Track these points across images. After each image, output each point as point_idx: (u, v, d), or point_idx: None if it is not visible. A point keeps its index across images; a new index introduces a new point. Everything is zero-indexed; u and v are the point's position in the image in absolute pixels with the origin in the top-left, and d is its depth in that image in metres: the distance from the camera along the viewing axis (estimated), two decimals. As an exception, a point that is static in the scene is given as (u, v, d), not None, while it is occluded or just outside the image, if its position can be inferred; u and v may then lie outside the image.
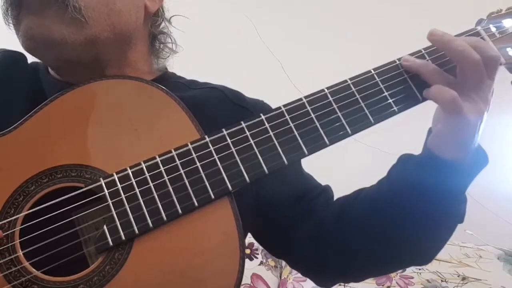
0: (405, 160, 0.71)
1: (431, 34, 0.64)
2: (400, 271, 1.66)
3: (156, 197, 0.59)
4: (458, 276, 1.67)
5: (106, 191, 0.58)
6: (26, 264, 0.56)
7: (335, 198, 0.80)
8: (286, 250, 0.80)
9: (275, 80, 2.16)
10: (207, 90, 0.79)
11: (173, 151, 0.61)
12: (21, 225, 0.57)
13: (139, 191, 0.59)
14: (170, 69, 0.86)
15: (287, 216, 0.76)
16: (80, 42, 0.67)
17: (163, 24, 0.83)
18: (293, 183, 0.79)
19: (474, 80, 0.63)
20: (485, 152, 0.68)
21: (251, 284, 1.60)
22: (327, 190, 0.80)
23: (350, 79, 0.66)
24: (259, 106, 0.81)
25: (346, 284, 1.54)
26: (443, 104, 0.63)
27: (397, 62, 0.67)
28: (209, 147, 0.61)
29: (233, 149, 0.61)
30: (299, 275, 1.22)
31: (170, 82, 0.77)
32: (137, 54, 0.76)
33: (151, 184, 0.59)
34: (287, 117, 0.63)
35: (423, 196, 0.66)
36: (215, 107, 0.75)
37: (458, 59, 0.63)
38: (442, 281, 1.65)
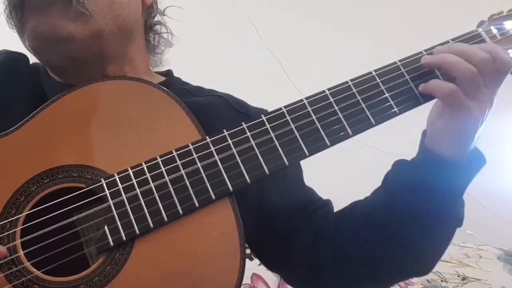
0: (399, 164, 0.71)
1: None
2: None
3: (157, 197, 0.59)
4: (458, 276, 1.67)
5: (107, 191, 0.58)
6: (27, 264, 0.56)
7: (335, 199, 0.80)
8: (282, 262, 0.79)
9: (275, 80, 2.16)
10: (211, 97, 0.80)
11: (174, 151, 0.61)
12: (22, 225, 0.57)
13: (140, 191, 0.59)
14: (168, 69, 0.86)
15: (286, 227, 0.76)
16: (86, 36, 0.68)
17: (157, 17, 0.84)
18: (294, 195, 0.78)
19: (491, 78, 0.63)
20: (482, 153, 0.68)
21: (251, 284, 1.60)
22: (327, 204, 0.80)
23: (351, 80, 0.66)
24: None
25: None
26: (442, 97, 0.63)
27: (398, 63, 0.67)
28: (210, 148, 0.61)
29: (234, 150, 0.61)
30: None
31: (175, 88, 0.78)
32: (136, 50, 0.77)
33: (152, 185, 0.59)
34: (288, 118, 0.63)
35: (421, 196, 0.66)
36: (218, 113, 0.75)
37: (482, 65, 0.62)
38: (442, 281, 1.65)
